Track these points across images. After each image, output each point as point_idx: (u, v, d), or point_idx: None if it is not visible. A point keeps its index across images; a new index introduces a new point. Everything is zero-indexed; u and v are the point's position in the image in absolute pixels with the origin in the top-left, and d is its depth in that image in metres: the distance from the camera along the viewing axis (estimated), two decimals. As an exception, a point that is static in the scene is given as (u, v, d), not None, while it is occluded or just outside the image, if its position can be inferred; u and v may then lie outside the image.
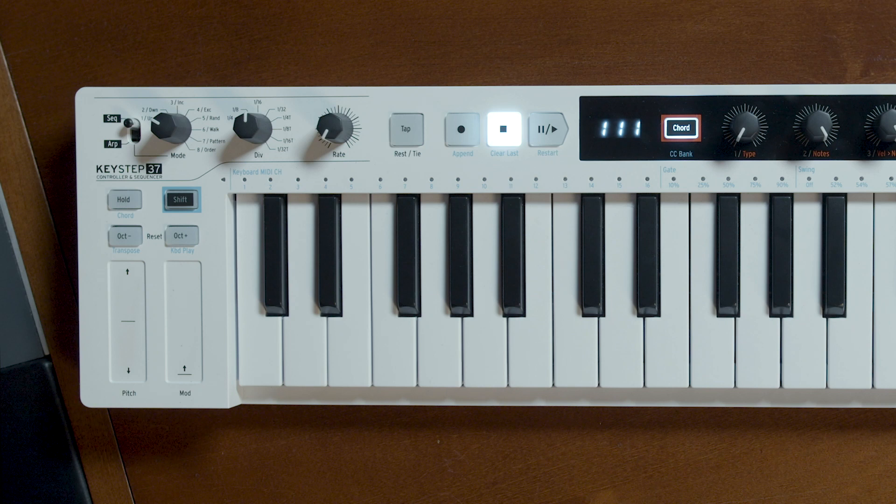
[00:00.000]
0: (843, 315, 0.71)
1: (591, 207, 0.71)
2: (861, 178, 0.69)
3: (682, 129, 0.70)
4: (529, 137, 0.70)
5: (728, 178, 0.70)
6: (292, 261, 0.73)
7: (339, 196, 0.72)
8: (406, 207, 0.72)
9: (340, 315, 0.73)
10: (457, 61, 0.75)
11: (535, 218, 0.72)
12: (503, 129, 0.71)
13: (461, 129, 0.71)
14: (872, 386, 0.71)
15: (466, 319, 0.72)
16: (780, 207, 0.71)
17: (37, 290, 0.78)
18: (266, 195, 0.72)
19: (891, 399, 0.73)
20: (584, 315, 0.72)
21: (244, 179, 0.72)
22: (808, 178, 0.70)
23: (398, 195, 0.72)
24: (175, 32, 0.76)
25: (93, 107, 0.72)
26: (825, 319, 0.71)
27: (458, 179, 0.71)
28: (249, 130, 0.68)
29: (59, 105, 0.76)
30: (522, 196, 0.72)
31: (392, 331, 0.72)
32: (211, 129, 0.71)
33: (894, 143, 0.69)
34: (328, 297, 0.72)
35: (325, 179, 0.71)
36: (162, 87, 0.72)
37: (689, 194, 0.72)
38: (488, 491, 0.77)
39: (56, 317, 0.78)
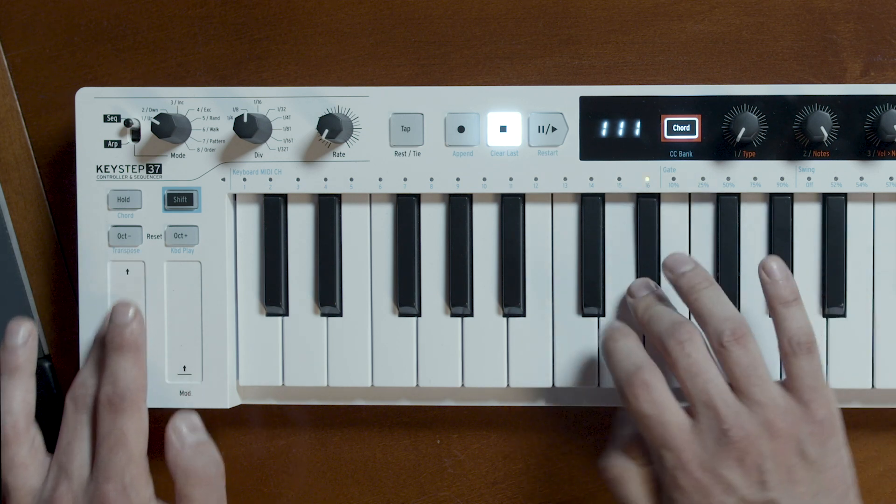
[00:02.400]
0: (843, 315, 0.71)
1: (591, 207, 0.71)
2: (861, 178, 0.69)
3: (682, 129, 0.70)
4: (529, 137, 0.70)
5: (728, 178, 0.70)
6: (292, 261, 0.73)
7: (339, 196, 0.72)
8: (406, 207, 0.72)
9: (340, 315, 0.73)
10: (457, 61, 0.75)
11: (535, 218, 0.72)
12: (503, 129, 0.71)
13: (461, 129, 0.71)
14: (872, 386, 0.71)
15: (466, 319, 0.72)
16: (780, 207, 0.71)
17: (37, 290, 0.78)
18: (266, 195, 0.72)
19: (891, 399, 0.73)
20: (584, 315, 0.72)
21: (244, 179, 0.72)
22: (808, 178, 0.70)
23: (398, 195, 0.72)
24: (175, 32, 0.76)
25: (93, 107, 0.72)
26: (825, 319, 0.71)
27: (458, 179, 0.71)
28: (249, 130, 0.68)
29: (59, 105, 0.76)
30: (522, 196, 0.72)
31: (392, 331, 0.72)
32: (211, 129, 0.71)
33: (894, 143, 0.69)
34: (328, 297, 0.72)
35: (325, 179, 0.71)
36: (162, 87, 0.72)
37: (689, 194, 0.72)
38: (488, 491, 0.77)
39: (56, 317, 0.78)
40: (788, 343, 0.64)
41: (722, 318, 0.64)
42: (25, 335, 0.70)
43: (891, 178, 0.69)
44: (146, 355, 0.71)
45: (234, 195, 0.73)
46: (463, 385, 0.72)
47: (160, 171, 0.72)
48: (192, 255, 0.72)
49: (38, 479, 0.69)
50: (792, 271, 0.71)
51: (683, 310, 0.69)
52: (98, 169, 0.72)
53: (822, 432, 0.63)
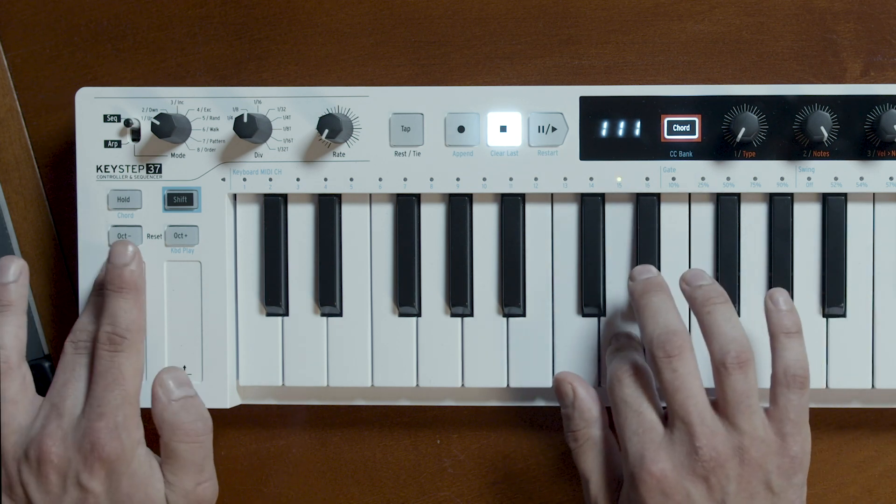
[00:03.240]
0: (843, 315, 0.71)
1: (591, 207, 0.71)
2: (861, 178, 0.69)
3: (682, 129, 0.70)
4: (529, 137, 0.70)
5: (728, 178, 0.70)
6: (292, 261, 0.73)
7: (339, 196, 0.72)
8: (406, 207, 0.72)
9: (340, 315, 0.73)
10: (457, 61, 0.75)
11: (535, 218, 0.72)
12: (503, 129, 0.71)
13: (461, 129, 0.71)
14: (872, 386, 0.71)
15: (466, 319, 0.72)
16: (780, 207, 0.71)
17: (37, 290, 0.77)
18: (266, 195, 0.72)
19: (891, 399, 0.73)
20: (584, 315, 0.72)
21: (244, 179, 0.72)
22: (808, 178, 0.70)
23: (398, 195, 0.72)
24: (175, 32, 0.76)
25: (93, 107, 0.72)
26: (825, 319, 0.71)
27: (458, 179, 0.71)
28: (249, 130, 0.68)
29: (59, 105, 0.76)
30: (522, 196, 0.72)
31: (392, 331, 0.72)
32: (211, 129, 0.71)
33: (894, 143, 0.69)
34: (328, 297, 0.72)
35: (325, 179, 0.71)
36: (162, 87, 0.72)
37: (689, 194, 0.72)
38: (488, 491, 0.77)
39: (56, 317, 0.78)
40: (784, 373, 0.65)
41: (730, 337, 0.64)
42: (17, 272, 0.69)
43: (891, 178, 0.69)
44: (145, 296, 0.71)
45: (234, 195, 0.73)
46: (463, 385, 0.72)
47: (160, 171, 0.72)
48: (192, 255, 0.72)
49: (27, 416, 0.68)
50: (792, 271, 0.71)
51: (684, 308, 0.69)
52: (98, 169, 0.72)
53: (792, 467, 0.64)
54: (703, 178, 0.70)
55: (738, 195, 0.71)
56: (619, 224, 0.72)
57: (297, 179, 0.71)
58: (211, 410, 0.72)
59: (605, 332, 0.72)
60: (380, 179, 0.71)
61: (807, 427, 0.65)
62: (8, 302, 0.69)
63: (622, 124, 0.70)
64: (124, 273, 0.69)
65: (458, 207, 0.72)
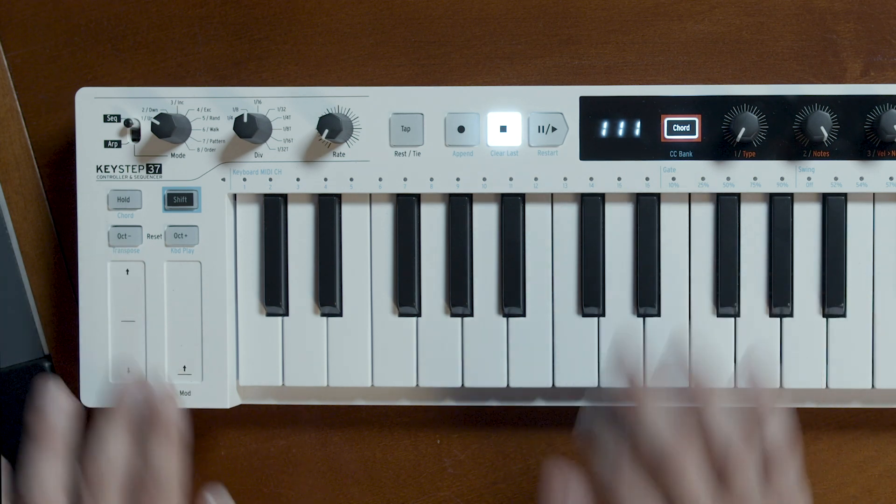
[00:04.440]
0: (843, 315, 0.71)
1: (591, 207, 0.71)
2: (861, 178, 0.69)
3: (682, 129, 0.70)
4: (529, 137, 0.70)
5: (728, 178, 0.70)
6: (292, 261, 0.73)
7: (339, 196, 0.72)
8: (406, 207, 0.72)
9: (340, 315, 0.73)
10: (457, 61, 0.75)
11: (535, 218, 0.72)
12: (503, 129, 0.71)
13: (461, 129, 0.71)
14: (872, 386, 0.71)
15: (466, 319, 0.72)
16: (780, 207, 0.71)
17: (37, 290, 0.78)
18: (266, 195, 0.72)
19: (891, 399, 0.73)
20: (584, 315, 0.72)
21: (244, 179, 0.72)
22: (808, 178, 0.70)
23: (398, 195, 0.72)
24: (175, 32, 0.76)
25: (93, 107, 0.72)
26: (825, 319, 0.71)
27: (458, 179, 0.71)
28: (249, 130, 0.68)
29: (59, 105, 0.76)
30: (522, 196, 0.72)
31: (392, 331, 0.72)
32: (211, 129, 0.71)
33: (894, 143, 0.69)
34: (328, 297, 0.72)
35: (325, 179, 0.71)
36: (162, 87, 0.72)
37: (689, 194, 0.72)
38: (488, 491, 0.77)
39: (56, 317, 0.78)
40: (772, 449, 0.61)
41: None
42: (68, 411, 0.64)
43: (891, 178, 0.69)
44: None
45: (234, 195, 0.73)
46: (463, 385, 0.72)
47: (160, 171, 0.72)
48: (192, 255, 0.72)
49: None
50: (792, 271, 0.71)
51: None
52: (98, 169, 0.72)
53: None
54: (703, 178, 0.70)
55: (738, 195, 0.71)
56: (619, 224, 0.72)
57: (297, 179, 0.71)
58: (211, 410, 0.72)
59: (608, 346, 0.71)
60: (380, 179, 0.71)
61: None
62: (54, 446, 0.65)
63: (622, 124, 0.70)
64: (172, 428, 0.63)
65: (458, 207, 0.72)
